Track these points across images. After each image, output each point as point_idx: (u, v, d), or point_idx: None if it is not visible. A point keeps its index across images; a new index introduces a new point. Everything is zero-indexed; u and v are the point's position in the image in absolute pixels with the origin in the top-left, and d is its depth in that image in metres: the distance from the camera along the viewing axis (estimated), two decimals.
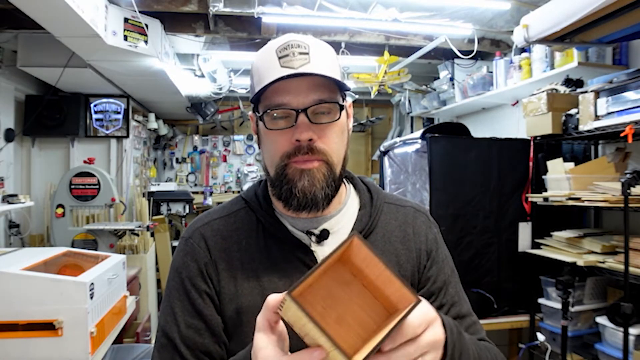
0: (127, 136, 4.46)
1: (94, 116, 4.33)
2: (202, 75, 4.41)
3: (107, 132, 4.38)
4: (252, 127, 0.86)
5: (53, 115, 4.02)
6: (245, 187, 5.93)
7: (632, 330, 2.08)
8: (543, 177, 2.67)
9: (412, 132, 5.28)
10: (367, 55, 3.87)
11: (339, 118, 0.78)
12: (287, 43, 0.75)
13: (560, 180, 2.50)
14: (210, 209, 0.90)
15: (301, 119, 0.74)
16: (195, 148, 6.26)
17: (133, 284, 3.14)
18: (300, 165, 0.75)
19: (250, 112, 0.86)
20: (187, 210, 5.18)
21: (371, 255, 0.54)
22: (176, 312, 0.79)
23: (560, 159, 2.56)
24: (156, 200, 5.03)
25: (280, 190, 0.78)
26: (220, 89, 4.54)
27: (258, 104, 0.79)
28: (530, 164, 2.81)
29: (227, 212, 0.87)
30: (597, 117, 2.27)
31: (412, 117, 5.41)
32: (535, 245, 2.77)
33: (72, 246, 3.53)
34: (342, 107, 0.78)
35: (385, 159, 3.58)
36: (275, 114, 0.76)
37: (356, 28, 3.42)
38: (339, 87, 0.78)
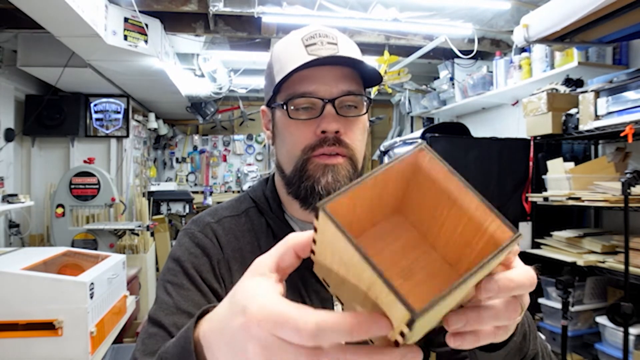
0: (127, 136, 4.46)
1: (94, 116, 4.33)
2: (202, 75, 4.42)
3: (107, 131, 4.38)
4: (264, 123, 0.81)
5: (53, 115, 4.02)
6: (246, 187, 5.94)
7: (632, 330, 2.08)
8: (543, 176, 2.67)
9: (412, 131, 5.28)
10: (367, 55, 3.87)
11: (365, 113, 0.74)
12: (315, 32, 0.72)
13: (560, 180, 2.50)
14: (214, 206, 0.84)
15: (328, 109, 0.69)
16: (195, 148, 6.26)
17: (133, 284, 3.15)
18: (324, 160, 0.69)
19: (263, 107, 0.80)
20: (187, 210, 5.19)
21: (449, 175, 0.37)
22: (178, 303, 0.68)
23: (560, 159, 2.56)
24: (156, 200, 5.03)
25: (298, 189, 0.72)
26: (220, 88, 4.54)
27: (276, 95, 0.74)
28: (530, 163, 2.81)
29: (237, 212, 0.80)
30: (597, 117, 2.27)
31: (412, 117, 5.41)
32: (536, 245, 2.77)
33: (72, 246, 3.53)
34: (370, 101, 0.74)
35: (385, 158, 3.59)
36: (298, 104, 0.70)
37: (356, 28, 3.42)
38: (363, 84, 0.75)
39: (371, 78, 0.74)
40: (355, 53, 0.73)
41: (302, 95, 0.70)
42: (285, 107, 0.71)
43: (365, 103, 0.73)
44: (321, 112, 0.70)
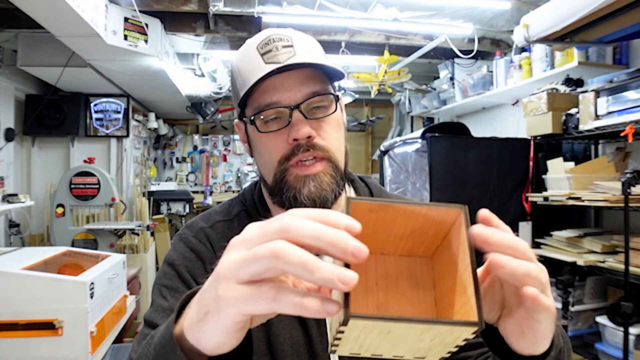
0: (127, 136, 4.46)
1: (94, 116, 4.33)
2: (202, 75, 4.41)
3: (107, 131, 4.38)
4: (240, 137, 0.80)
5: (53, 114, 4.02)
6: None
7: (632, 330, 2.08)
8: (543, 176, 2.67)
9: (412, 131, 5.28)
10: (367, 54, 3.87)
11: (335, 110, 0.72)
12: (268, 38, 0.70)
13: (561, 179, 2.50)
14: (207, 211, 0.85)
15: (296, 116, 0.68)
16: (195, 147, 6.26)
17: (133, 284, 3.15)
18: (303, 171, 0.69)
19: (236, 120, 0.79)
20: (187, 210, 5.19)
21: (375, 204, 0.40)
22: (173, 306, 0.70)
23: (561, 159, 2.56)
24: (156, 200, 5.03)
25: (282, 199, 0.71)
26: (220, 88, 4.53)
27: (245, 108, 0.73)
28: (531, 163, 2.81)
29: (229, 216, 0.81)
30: (597, 117, 2.27)
31: (412, 117, 5.41)
32: (536, 245, 2.77)
33: (72, 246, 3.53)
34: (337, 98, 0.73)
35: (386, 158, 3.58)
36: (266, 116, 0.69)
37: (356, 27, 3.41)
38: (329, 79, 0.73)
39: (334, 72, 0.73)
40: (313, 51, 0.71)
41: (267, 106, 0.69)
42: (253, 121, 0.70)
43: (334, 100, 0.72)
44: (289, 120, 0.69)
